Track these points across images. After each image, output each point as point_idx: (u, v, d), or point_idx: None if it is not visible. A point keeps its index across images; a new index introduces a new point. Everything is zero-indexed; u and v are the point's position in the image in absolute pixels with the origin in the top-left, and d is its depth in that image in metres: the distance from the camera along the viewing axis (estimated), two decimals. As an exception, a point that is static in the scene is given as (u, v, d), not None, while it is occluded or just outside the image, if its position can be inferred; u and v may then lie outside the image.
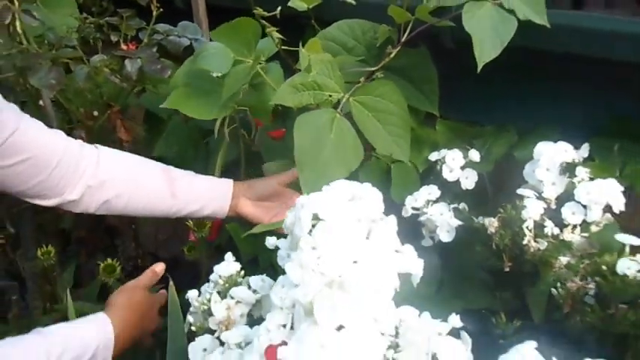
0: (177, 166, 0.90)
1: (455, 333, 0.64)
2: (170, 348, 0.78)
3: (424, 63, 0.86)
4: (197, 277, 1.00)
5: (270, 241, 0.65)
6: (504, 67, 0.83)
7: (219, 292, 0.69)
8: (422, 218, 0.79)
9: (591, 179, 0.72)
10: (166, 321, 0.76)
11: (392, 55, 0.82)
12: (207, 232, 0.96)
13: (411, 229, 0.85)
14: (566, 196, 0.71)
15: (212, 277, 0.72)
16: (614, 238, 0.64)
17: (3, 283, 1.09)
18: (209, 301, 0.68)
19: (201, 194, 0.87)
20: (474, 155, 0.80)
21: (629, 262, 0.56)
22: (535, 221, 0.68)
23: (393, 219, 0.58)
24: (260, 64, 0.85)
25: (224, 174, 0.95)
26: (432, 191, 0.80)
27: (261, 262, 0.92)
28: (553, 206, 0.71)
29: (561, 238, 0.69)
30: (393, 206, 0.84)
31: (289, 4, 0.83)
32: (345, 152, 0.74)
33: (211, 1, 1.12)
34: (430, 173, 0.85)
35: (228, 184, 0.89)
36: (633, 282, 0.55)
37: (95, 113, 0.94)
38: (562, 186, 0.71)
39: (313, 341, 0.50)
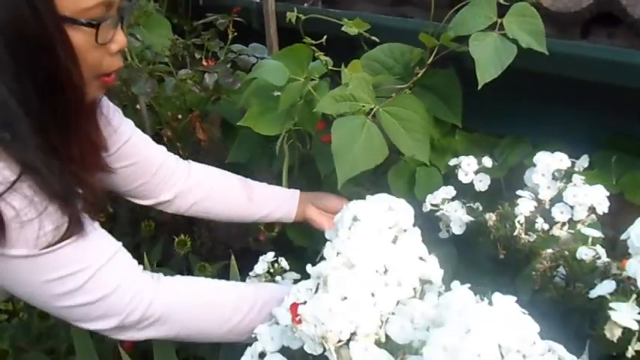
0: (247, 167, 1.08)
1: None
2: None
3: (451, 81, 1.00)
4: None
5: (327, 234, 0.78)
6: (522, 89, 0.97)
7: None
8: (438, 213, 0.93)
9: (586, 186, 0.83)
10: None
11: (420, 75, 0.96)
12: (275, 233, 1.14)
13: (431, 225, 0.99)
14: (560, 199, 0.83)
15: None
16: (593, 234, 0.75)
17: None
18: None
19: (273, 199, 1.04)
20: (487, 162, 0.94)
21: (586, 250, 0.68)
22: (526, 217, 0.80)
23: (417, 231, 0.71)
24: (313, 79, 1.03)
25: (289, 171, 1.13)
26: (448, 191, 0.93)
27: (310, 251, 1.09)
28: (547, 206, 0.83)
29: (551, 233, 0.81)
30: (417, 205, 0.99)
31: (342, 29, 1.01)
32: (372, 149, 0.89)
33: (282, 24, 1.31)
34: (451, 176, 0.99)
35: (295, 192, 1.06)
36: (589, 265, 0.67)
37: (179, 116, 1.15)
38: (555, 189, 0.83)
39: (324, 305, 0.60)
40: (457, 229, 0.91)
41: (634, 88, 0.85)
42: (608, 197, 0.81)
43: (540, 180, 0.84)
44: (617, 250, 0.75)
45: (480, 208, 0.92)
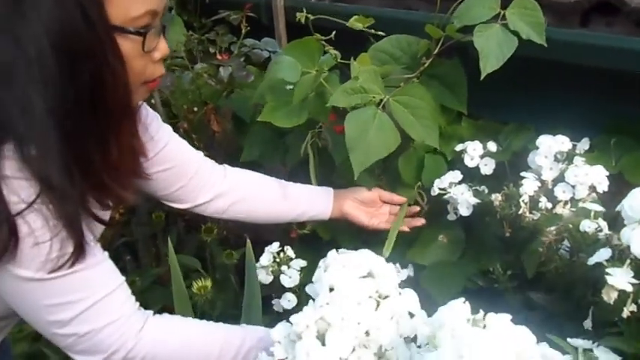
0: (260, 162, 1.10)
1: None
2: (247, 289, 1.01)
3: (456, 70, 1.04)
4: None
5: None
6: (525, 75, 1.01)
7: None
8: (446, 197, 0.98)
9: (586, 167, 0.88)
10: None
11: (426, 65, 1.01)
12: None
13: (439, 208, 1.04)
14: (562, 179, 0.88)
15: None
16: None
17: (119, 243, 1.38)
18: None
19: (308, 197, 1.06)
20: (492, 146, 0.98)
21: (589, 223, 0.72)
22: (530, 196, 0.85)
23: (412, 292, 0.66)
24: (324, 72, 1.07)
25: (301, 165, 1.16)
26: (455, 175, 0.98)
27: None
28: (550, 186, 0.88)
29: (554, 211, 0.86)
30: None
31: (348, 24, 1.05)
32: (385, 139, 0.94)
33: (291, 19, 1.35)
34: (457, 162, 1.04)
35: (328, 189, 1.07)
36: (592, 237, 0.72)
37: (195, 109, 1.20)
38: (557, 170, 0.88)
39: (303, 350, 0.60)
40: (464, 211, 0.96)
41: (632, 73, 0.90)
42: (608, 178, 0.86)
43: (543, 162, 0.88)
44: (617, 228, 0.80)
45: (486, 190, 0.97)
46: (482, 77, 0.87)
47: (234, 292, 1.19)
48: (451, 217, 1.00)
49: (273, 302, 1.09)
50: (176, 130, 1.19)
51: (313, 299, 0.66)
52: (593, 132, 0.96)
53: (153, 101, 1.31)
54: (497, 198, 0.87)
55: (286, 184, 1.07)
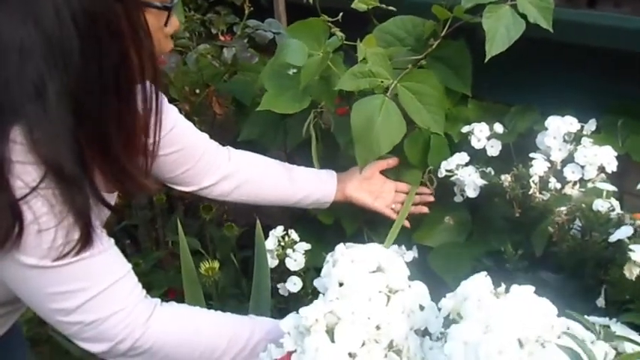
0: (259, 144, 1.09)
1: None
2: (256, 271, 1.01)
3: (461, 52, 1.04)
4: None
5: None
6: (530, 56, 1.01)
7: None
8: (453, 179, 0.98)
9: (594, 147, 0.88)
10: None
11: (434, 46, 1.00)
12: None
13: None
14: (571, 160, 0.89)
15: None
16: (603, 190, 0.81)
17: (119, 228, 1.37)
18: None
19: (312, 179, 1.04)
20: (498, 128, 0.98)
21: (602, 202, 0.73)
22: (540, 177, 0.86)
23: (422, 285, 0.65)
24: (330, 55, 1.06)
25: (301, 148, 1.15)
26: (462, 157, 0.98)
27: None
28: (558, 167, 0.88)
29: (563, 192, 0.86)
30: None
31: (352, 5, 1.04)
32: (390, 130, 0.93)
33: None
34: (464, 143, 1.04)
35: (331, 172, 1.05)
36: (604, 216, 0.72)
37: (197, 91, 1.18)
38: (566, 151, 0.88)
39: (312, 345, 0.59)
40: (471, 193, 0.96)
41: (636, 54, 0.90)
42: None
43: (552, 142, 0.89)
44: (624, 207, 0.81)
45: (492, 172, 0.97)
46: (486, 60, 0.86)
47: (235, 270, 1.19)
48: (457, 198, 1.00)
49: (278, 286, 1.08)
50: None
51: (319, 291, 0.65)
52: (597, 113, 0.97)
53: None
54: (506, 179, 0.87)
55: (290, 166, 1.06)
